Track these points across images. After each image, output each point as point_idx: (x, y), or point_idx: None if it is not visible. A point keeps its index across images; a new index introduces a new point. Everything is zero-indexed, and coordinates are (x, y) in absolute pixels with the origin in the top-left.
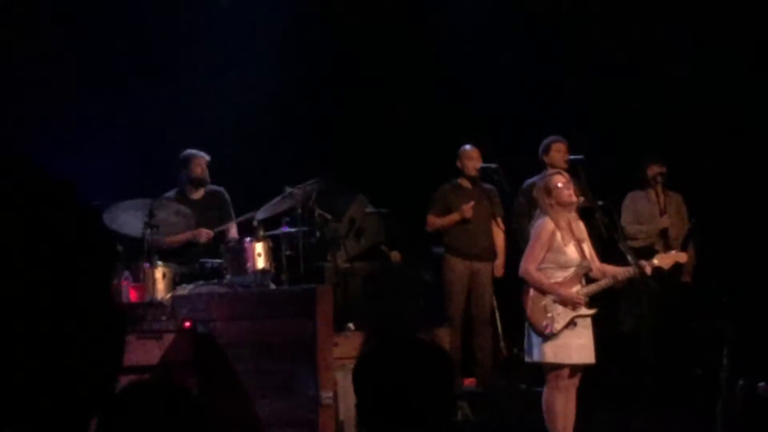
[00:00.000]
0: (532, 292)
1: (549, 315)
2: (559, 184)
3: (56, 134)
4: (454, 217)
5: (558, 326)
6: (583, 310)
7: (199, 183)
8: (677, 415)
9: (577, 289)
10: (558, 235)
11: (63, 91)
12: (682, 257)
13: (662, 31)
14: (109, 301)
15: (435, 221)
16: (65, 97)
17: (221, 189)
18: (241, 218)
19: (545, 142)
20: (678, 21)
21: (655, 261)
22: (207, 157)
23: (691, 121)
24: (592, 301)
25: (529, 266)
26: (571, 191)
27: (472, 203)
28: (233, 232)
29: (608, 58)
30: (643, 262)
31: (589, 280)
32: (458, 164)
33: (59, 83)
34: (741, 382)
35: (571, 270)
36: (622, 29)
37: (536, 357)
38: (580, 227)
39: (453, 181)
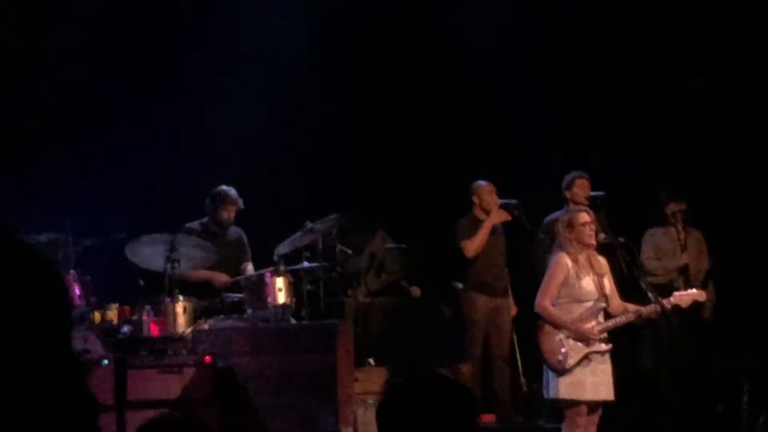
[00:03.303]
0: (546, 327)
1: (563, 350)
2: (583, 222)
3: (80, 167)
4: (489, 224)
5: (571, 362)
6: (598, 346)
7: (221, 226)
8: None
9: (593, 325)
10: (573, 269)
11: (86, 123)
12: (701, 296)
13: (683, 66)
14: None
15: (473, 244)
16: (89, 130)
17: (241, 231)
18: (259, 272)
19: (568, 177)
20: (698, 55)
21: (673, 299)
22: (241, 205)
23: (712, 158)
24: (610, 336)
25: (544, 301)
26: (593, 232)
27: (506, 215)
28: (250, 270)
29: (628, 93)
30: (663, 300)
31: (609, 317)
32: (474, 199)
33: (83, 115)
34: (762, 419)
35: (588, 304)
36: (641, 63)
37: (552, 394)
38: (600, 262)
39: (469, 215)
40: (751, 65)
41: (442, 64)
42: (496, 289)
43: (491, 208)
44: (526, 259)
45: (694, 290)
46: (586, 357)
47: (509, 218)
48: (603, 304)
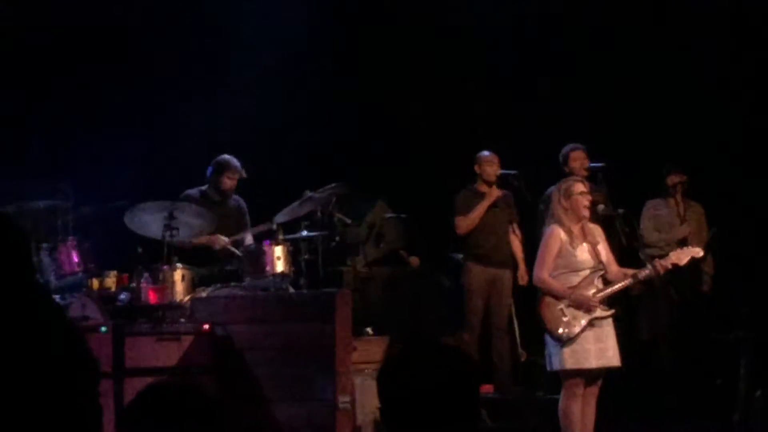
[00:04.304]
0: (546, 299)
1: (565, 320)
2: (579, 192)
3: (80, 135)
4: (484, 204)
5: (575, 330)
6: (600, 312)
7: (224, 195)
8: (696, 424)
9: (592, 292)
10: (566, 239)
11: (87, 91)
12: (697, 252)
13: (686, 41)
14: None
15: (466, 221)
16: (88, 98)
17: (240, 199)
18: (256, 229)
19: (564, 150)
20: (703, 31)
21: (671, 258)
22: (243, 174)
23: (713, 129)
24: (610, 303)
25: (541, 273)
26: (588, 204)
27: (500, 193)
28: (249, 239)
29: (630, 66)
30: (659, 261)
31: (608, 284)
32: (476, 169)
33: (84, 82)
34: (759, 392)
35: (585, 273)
36: (645, 38)
37: (556, 365)
38: (593, 231)
39: (470, 186)
40: (754, 36)
41: (443, 34)
42: (493, 260)
43: (491, 179)
44: (525, 229)
45: (689, 247)
46: (589, 323)
47: (500, 195)
48: (601, 272)
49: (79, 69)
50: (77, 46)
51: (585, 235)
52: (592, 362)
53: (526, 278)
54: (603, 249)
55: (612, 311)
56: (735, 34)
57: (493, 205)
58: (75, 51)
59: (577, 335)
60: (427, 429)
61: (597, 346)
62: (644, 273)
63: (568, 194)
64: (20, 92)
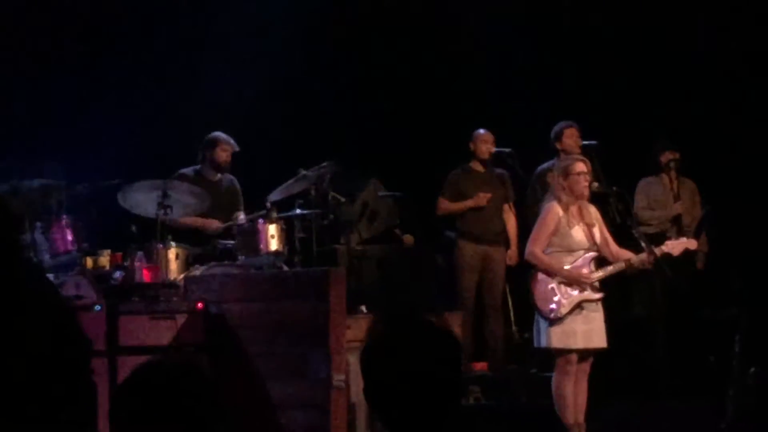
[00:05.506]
0: (538, 275)
1: (555, 299)
2: (579, 172)
3: (72, 114)
4: (468, 203)
5: (564, 310)
6: (591, 294)
7: (220, 169)
8: (689, 402)
9: (584, 273)
10: (564, 218)
11: (78, 70)
12: (692, 244)
13: (677, 16)
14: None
15: (446, 206)
16: (81, 77)
17: (234, 179)
18: (251, 216)
19: (557, 127)
20: (694, 6)
21: (664, 247)
22: (236, 147)
23: (706, 107)
24: (602, 285)
25: (534, 249)
26: (587, 183)
27: (489, 195)
28: (242, 218)
29: (622, 43)
30: (652, 248)
31: (603, 265)
32: (471, 147)
33: (74, 62)
34: (753, 370)
35: (579, 253)
36: (636, 13)
37: (543, 342)
38: (590, 211)
39: (465, 165)
40: (749, 14)
41: (438, 12)
42: (485, 237)
43: (485, 157)
44: (519, 208)
45: (684, 238)
46: (578, 305)
47: (486, 203)
48: (594, 253)
49: (69, 47)
50: (66, 25)
51: (582, 216)
52: (579, 343)
53: (515, 259)
54: (598, 231)
55: (602, 294)
56: (726, 8)
57: (486, 185)
58: (63, 30)
59: (566, 315)
60: (410, 408)
61: (583, 328)
62: (637, 259)
63: (567, 173)
64: (7, 70)
